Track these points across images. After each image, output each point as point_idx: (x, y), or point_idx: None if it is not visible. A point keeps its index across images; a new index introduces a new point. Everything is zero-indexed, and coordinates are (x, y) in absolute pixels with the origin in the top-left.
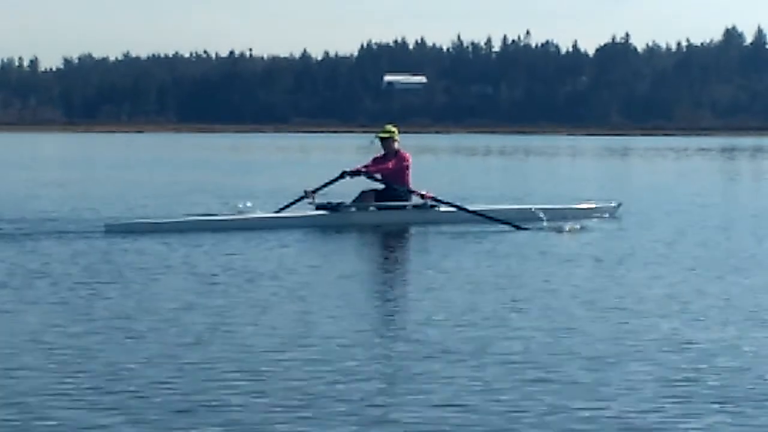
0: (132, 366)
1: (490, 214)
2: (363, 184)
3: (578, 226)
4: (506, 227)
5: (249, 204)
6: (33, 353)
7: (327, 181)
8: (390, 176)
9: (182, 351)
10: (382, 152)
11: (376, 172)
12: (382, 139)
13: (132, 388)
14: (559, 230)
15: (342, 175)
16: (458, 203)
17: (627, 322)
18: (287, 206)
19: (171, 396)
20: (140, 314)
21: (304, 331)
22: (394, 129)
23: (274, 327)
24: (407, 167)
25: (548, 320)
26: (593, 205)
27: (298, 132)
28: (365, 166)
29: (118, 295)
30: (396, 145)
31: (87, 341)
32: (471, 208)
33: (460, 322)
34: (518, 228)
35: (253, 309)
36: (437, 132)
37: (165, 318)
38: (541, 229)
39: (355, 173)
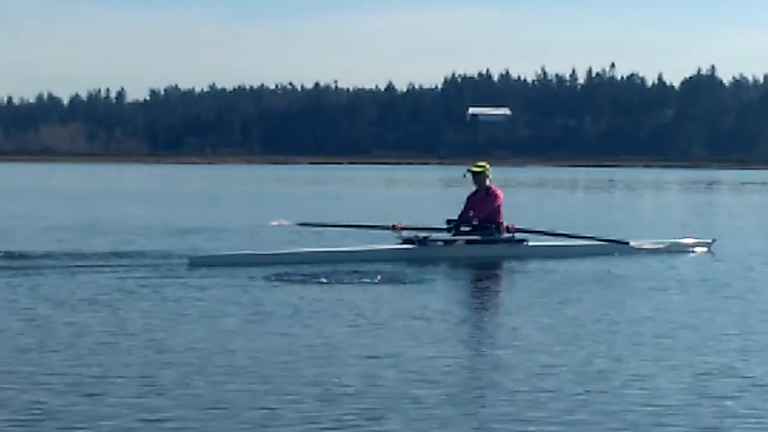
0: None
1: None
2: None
3: None
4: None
5: None
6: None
7: (428, 226)
8: (484, 217)
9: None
10: (474, 188)
11: (473, 218)
12: (474, 174)
13: None
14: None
15: (450, 229)
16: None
17: None
18: (368, 227)
19: None
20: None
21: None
22: (486, 164)
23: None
24: (499, 206)
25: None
26: (692, 241)
27: (376, 164)
28: (463, 213)
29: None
30: (487, 181)
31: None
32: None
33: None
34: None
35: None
36: (516, 165)
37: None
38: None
39: (458, 223)
